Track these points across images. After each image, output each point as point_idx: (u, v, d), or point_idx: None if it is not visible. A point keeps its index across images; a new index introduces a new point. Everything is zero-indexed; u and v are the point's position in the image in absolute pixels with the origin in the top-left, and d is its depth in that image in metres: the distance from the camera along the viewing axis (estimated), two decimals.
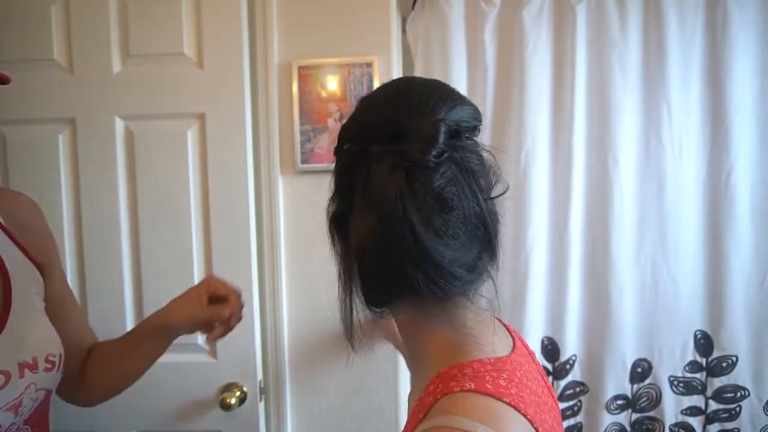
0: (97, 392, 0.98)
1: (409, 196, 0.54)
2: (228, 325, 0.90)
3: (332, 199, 0.65)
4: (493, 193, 0.64)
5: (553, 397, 0.68)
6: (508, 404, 0.55)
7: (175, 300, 0.91)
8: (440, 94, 0.60)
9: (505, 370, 0.59)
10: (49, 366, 0.78)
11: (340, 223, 0.63)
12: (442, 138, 0.56)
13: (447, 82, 0.64)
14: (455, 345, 0.62)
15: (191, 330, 0.91)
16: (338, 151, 0.64)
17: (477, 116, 0.62)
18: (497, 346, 0.64)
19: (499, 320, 0.70)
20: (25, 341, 0.76)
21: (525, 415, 0.55)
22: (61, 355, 0.81)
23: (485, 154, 0.62)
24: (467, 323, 0.62)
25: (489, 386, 0.56)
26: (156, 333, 0.93)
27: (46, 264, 0.87)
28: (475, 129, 0.62)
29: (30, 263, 0.84)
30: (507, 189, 0.63)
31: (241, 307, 0.94)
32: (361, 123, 0.63)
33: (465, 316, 0.62)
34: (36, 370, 0.76)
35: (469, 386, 0.56)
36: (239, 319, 0.89)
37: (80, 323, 0.98)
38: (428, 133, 0.56)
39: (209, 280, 0.90)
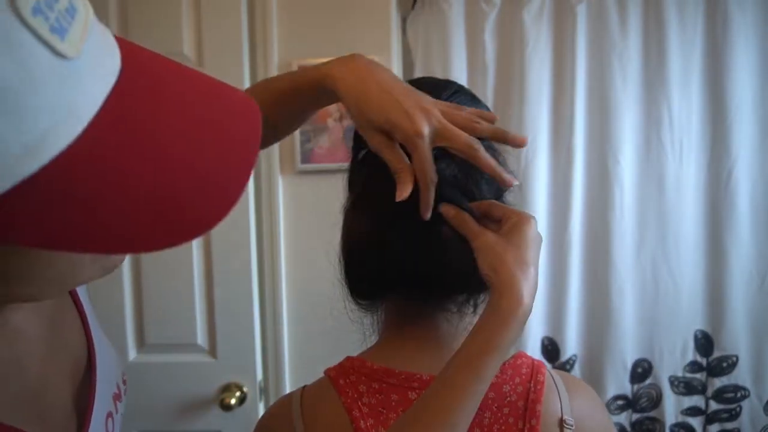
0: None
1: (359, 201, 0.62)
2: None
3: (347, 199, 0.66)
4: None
5: None
6: (338, 392, 0.57)
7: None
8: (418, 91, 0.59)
9: (382, 381, 0.58)
10: (125, 386, 0.72)
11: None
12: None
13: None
14: (378, 345, 0.63)
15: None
16: (355, 156, 0.65)
17: None
18: (414, 360, 0.60)
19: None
20: (109, 370, 0.67)
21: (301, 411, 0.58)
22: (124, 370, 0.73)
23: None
24: (407, 329, 0.62)
25: (342, 381, 0.58)
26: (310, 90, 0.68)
27: None
28: None
29: None
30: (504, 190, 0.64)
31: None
32: None
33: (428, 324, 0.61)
34: (121, 399, 0.70)
35: (328, 372, 0.61)
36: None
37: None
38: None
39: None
